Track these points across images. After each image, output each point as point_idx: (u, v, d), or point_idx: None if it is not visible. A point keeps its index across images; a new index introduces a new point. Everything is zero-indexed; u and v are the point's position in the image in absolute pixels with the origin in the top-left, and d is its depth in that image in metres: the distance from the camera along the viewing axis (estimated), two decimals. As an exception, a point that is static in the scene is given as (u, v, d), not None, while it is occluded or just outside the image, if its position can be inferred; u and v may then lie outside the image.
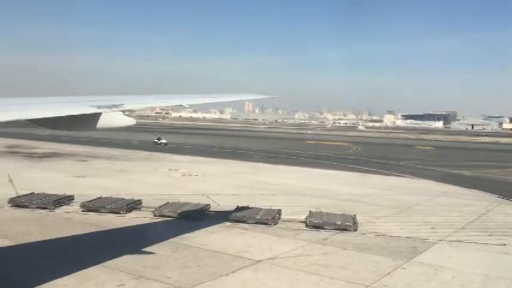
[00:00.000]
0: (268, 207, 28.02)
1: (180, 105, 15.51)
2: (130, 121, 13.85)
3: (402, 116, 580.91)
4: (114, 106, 12.65)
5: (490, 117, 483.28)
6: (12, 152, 58.76)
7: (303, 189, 38.17)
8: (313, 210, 27.58)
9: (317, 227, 24.97)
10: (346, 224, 24.94)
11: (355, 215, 26.89)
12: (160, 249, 19.93)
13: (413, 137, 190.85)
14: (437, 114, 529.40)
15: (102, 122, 12.43)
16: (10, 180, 28.19)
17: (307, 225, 25.24)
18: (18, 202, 27.16)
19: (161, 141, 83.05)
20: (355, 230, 24.72)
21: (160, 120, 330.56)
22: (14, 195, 28.52)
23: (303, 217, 26.69)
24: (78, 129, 13.22)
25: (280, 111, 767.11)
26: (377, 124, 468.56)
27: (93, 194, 30.43)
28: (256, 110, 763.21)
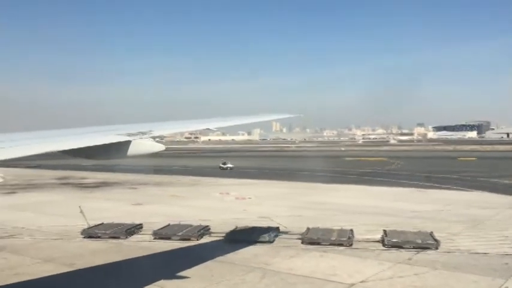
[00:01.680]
0: (339, 228, 27.51)
1: (208, 129, 15.73)
2: (160, 147, 13.82)
3: (433, 127, 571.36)
4: (143, 133, 12.95)
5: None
6: (63, 184, 59.93)
7: (364, 208, 37.44)
8: (387, 229, 26.87)
9: (396, 246, 24.26)
10: (428, 243, 24.15)
11: (432, 232, 26.09)
12: (249, 276, 19.62)
13: (450, 148, 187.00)
14: (470, 125, 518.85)
15: (132, 149, 12.56)
16: (81, 212, 28.44)
17: (384, 245, 24.56)
18: (91, 233, 27.39)
19: (227, 165, 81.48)
20: (437, 248, 23.90)
21: (191, 145, 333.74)
22: (85, 226, 28.79)
23: (377, 236, 26.05)
24: (109, 157, 13.24)
25: (307, 130, 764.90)
26: (408, 137, 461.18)
27: (158, 222, 30.64)
28: (284, 130, 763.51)
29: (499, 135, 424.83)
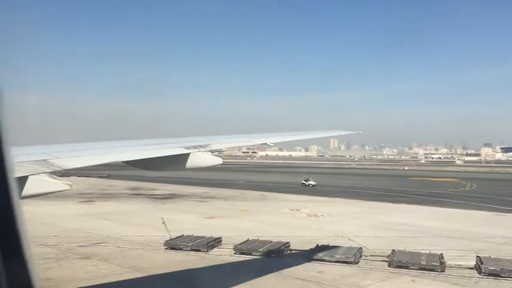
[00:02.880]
0: (427, 252, 26.20)
1: (265, 144, 15.58)
2: (218, 160, 14.16)
3: (502, 148, 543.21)
4: (201, 146, 13.21)
5: None
6: (136, 194, 61.71)
7: (444, 231, 35.66)
8: (481, 255, 25.26)
9: (493, 274, 22.73)
10: (530, 272, 22.45)
11: (531, 261, 24.28)
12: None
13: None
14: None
15: (190, 162, 12.88)
16: (164, 223, 28.92)
17: (480, 273, 23.06)
18: (173, 245, 27.70)
19: (309, 182, 79.21)
20: (539, 278, 22.16)
21: (249, 159, 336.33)
22: (166, 237, 29.19)
23: (470, 263, 24.57)
24: (167, 169, 13.67)
25: (366, 147, 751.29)
26: (474, 158, 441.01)
27: (233, 235, 30.66)
28: (342, 147, 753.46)
29: None
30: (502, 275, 22.60)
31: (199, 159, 13.28)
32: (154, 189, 68.08)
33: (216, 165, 14.26)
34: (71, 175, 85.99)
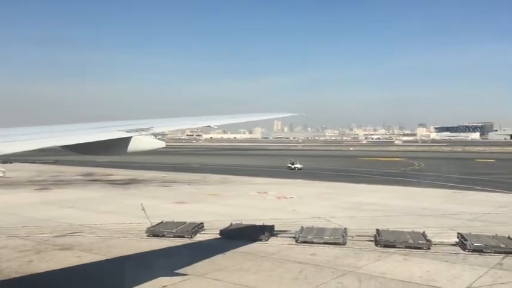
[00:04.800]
0: (410, 230, 26.89)
1: (209, 126, 15.48)
2: (160, 144, 13.83)
3: (435, 128, 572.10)
4: (143, 130, 12.90)
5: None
6: (92, 180, 59.24)
7: (415, 209, 36.84)
8: (463, 232, 26.16)
9: (477, 250, 23.61)
10: (512, 247, 23.53)
11: (509, 235, 25.46)
12: (345, 280, 18.99)
13: (459, 149, 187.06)
14: (472, 126, 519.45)
15: (132, 146, 12.55)
16: (143, 210, 27.75)
17: (465, 249, 23.89)
18: (156, 232, 26.71)
19: (295, 165, 77.82)
20: (522, 252, 23.28)
21: (194, 143, 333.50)
22: (144, 223, 28.09)
23: (452, 240, 25.42)
24: (109, 153, 13.44)
25: (309, 129, 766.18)
26: (411, 138, 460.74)
27: (213, 220, 30.20)
28: (285, 129, 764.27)
29: (502, 137, 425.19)
30: (485, 251, 23.53)
31: (142, 142, 12.90)
32: (109, 175, 65.73)
33: (159, 148, 13.89)
34: (13, 161, 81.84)
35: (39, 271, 19.85)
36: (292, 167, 77.49)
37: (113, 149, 12.83)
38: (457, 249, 24.23)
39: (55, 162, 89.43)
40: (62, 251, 23.23)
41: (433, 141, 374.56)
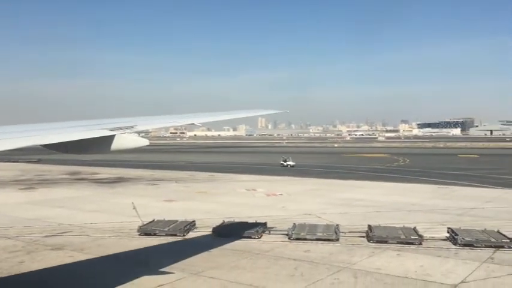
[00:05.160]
0: (401, 226, 27.11)
1: (193, 124, 15.45)
2: (144, 142, 13.80)
3: (417, 124, 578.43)
4: (127, 128, 12.88)
5: (509, 122, 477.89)
6: (78, 179, 58.49)
7: (404, 205, 37.15)
8: (453, 227, 26.44)
9: (468, 245, 23.92)
10: (503, 241, 23.86)
11: (499, 230, 25.84)
12: (342, 276, 19.06)
13: (441, 145, 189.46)
14: (454, 122, 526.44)
15: (116, 144, 12.53)
16: (134, 208, 27.49)
17: (456, 244, 24.16)
18: (147, 231, 26.48)
19: (287, 163, 77.21)
20: (510, 247, 23.65)
21: (178, 140, 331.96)
22: (134, 222, 27.83)
23: (443, 235, 25.72)
24: (92, 152, 13.25)
25: (293, 126, 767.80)
26: (393, 134, 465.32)
27: (203, 218, 30.21)
28: (269, 126, 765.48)
29: (483, 132, 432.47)
30: (475, 245, 23.85)
31: (125, 140, 12.86)
32: (96, 173, 65.02)
33: (142, 146, 13.84)
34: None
35: (31, 271, 19.52)
36: (285, 164, 77.08)
37: (96, 148, 12.71)
38: (448, 244, 24.52)
39: (38, 161, 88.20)
40: (53, 251, 22.89)
41: (416, 137, 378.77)
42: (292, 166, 76.07)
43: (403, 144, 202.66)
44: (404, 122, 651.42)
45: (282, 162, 78.14)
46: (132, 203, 28.25)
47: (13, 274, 19.08)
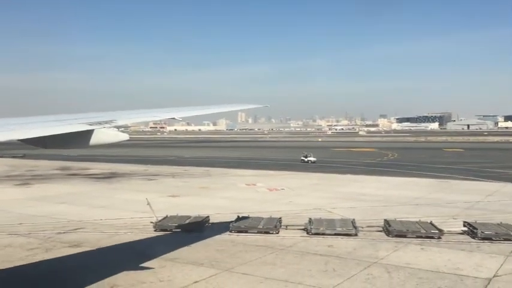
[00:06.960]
0: (418, 220, 27.25)
1: (173, 118, 15.37)
2: (124, 136, 13.78)
3: (396, 119, 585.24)
4: (106, 122, 12.74)
5: (485, 116, 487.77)
6: (71, 175, 57.30)
7: (409, 199, 37.37)
8: (469, 220, 26.68)
9: (487, 238, 24.14)
10: (521, 234, 24.16)
11: (514, 223, 26.17)
12: (375, 271, 18.98)
13: (422, 139, 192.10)
14: (432, 116, 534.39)
15: (95, 139, 12.45)
16: (148, 204, 26.99)
17: (475, 237, 24.37)
18: (163, 227, 26.01)
19: (308, 158, 74.83)
20: (533, 239, 23.94)
21: (159, 135, 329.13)
22: (152, 218, 27.38)
23: (459, 229, 25.94)
24: (71, 146, 13.22)
25: (273, 120, 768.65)
26: (373, 128, 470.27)
27: (214, 214, 29.81)
28: (250, 120, 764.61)
29: (460, 127, 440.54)
30: (494, 239, 24.09)
31: (104, 135, 12.72)
32: (87, 169, 63.82)
33: (122, 141, 13.74)
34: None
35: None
36: (306, 160, 74.53)
37: (74, 143, 12.53)
38: (467, 237, 24.67)
39: (24, 156, 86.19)
40: (71, 248, 22.28)
41: (395, 131, 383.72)
42: (314, 162, 73.58)
43: (385, 139, 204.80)
44: (383, 116, 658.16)
45: (302, 158, 75.70)
46: (146, 199, 27.76)
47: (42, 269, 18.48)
